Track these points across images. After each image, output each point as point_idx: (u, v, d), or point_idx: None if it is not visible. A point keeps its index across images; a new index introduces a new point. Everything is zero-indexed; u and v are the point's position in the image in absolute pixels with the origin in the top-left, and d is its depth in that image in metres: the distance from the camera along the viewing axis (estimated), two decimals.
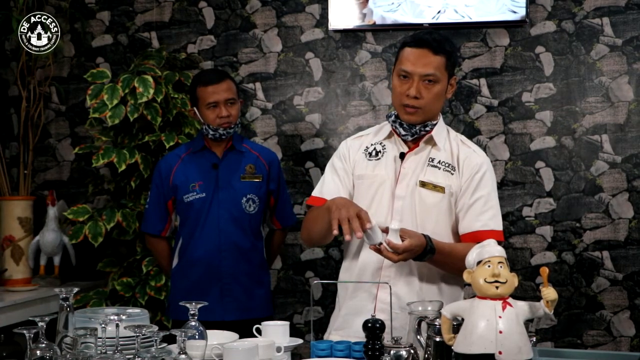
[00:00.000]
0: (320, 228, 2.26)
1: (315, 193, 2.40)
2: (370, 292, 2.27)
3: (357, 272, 2.30)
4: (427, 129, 2.30)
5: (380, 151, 2.34)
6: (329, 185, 2.37)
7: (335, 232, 2.04)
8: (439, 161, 2.29)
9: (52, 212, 3.68)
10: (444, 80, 2.26)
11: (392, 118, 2.33)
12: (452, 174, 2.28)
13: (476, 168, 2.29)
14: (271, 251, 3.31)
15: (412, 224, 2.22)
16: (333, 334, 2.32)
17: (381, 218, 2.22)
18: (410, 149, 2.31)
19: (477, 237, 2.20)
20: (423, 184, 2.25)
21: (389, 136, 2.35)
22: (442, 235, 2.24)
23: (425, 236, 2.13)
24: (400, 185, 2.27)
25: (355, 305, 2.29)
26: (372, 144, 2.36)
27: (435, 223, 2.25)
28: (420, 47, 2.23)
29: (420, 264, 2.22)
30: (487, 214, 2.26)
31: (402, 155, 2.30)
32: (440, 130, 2.33)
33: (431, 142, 2.31)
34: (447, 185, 2.26)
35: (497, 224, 2.27)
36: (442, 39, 2.27)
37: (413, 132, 2.29)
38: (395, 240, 2.04)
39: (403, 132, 2.30)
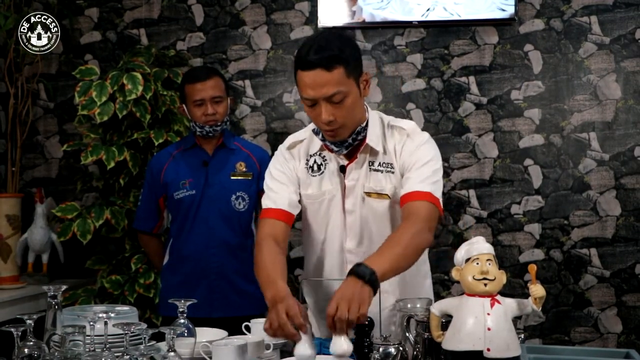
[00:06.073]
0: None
1: (269, 205, 2.21)
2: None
3: (319, 267, 2.26)
4: (360, 137, 2.14)
5: (321, 164, 2.22)
6: (280, 193, 2.22)
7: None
8: (379, 163, 2.17)
9: (40, 209, 3.67)
10: (352, 88, 2.04)
11: (320, 136, 2.16)
12: (393, 172, 2.16)
13: (407, 150, 2.14)
14: None
15: (367, 236, 2.17)
16: None
17: (337, 235, 2.19)
18: (350, 160, 2.18)
19: (404, 200, 2.08)
20: (369, 194, 2.16)
21: (324, 148, 2.22)
22: None
23: (356, 269, 1.84)
24: (349, 199, 2.18)
25: (322, 307, 2.26)
26: (311, 156, 2.23)
27: (391, 229, 2.15)
28: (311, 69, 2.01)
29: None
30: (418, 181, 2.08)
31: (343, 169, 2.18)
32: (373, 132, 2.16)
33: (368, 149, 2.17)
34: (390, 188, 2.15)
35: (428, 187, 2.07)
36: (330, 49, 2.01)
37: (346, 145, 2.13)
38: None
39: (336, 149, 2.16)
